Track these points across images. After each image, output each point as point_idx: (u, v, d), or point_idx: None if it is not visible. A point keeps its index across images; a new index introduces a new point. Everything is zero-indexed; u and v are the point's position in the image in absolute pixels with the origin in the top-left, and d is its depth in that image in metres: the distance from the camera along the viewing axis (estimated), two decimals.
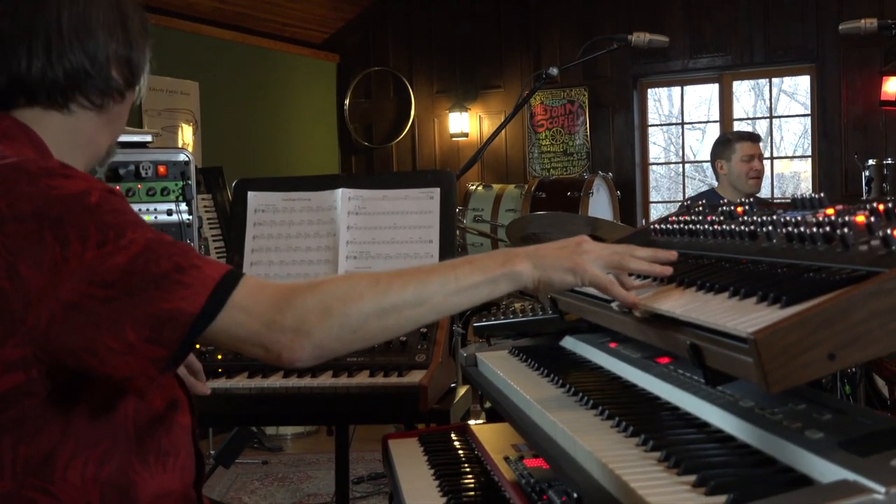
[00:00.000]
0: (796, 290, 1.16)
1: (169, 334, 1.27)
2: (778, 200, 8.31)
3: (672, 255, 1.57)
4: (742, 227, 1.58)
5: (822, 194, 1.58)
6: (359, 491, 4.79)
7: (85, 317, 1.25)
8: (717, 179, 5.18)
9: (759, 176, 5.06)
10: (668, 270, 1.53)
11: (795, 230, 1.40)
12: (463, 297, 1.44)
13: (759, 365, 1.06)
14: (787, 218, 1.47)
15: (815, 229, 1.36)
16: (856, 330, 1.06)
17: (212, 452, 5.22)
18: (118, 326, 1.26)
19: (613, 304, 1.60)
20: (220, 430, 5.42)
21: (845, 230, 1.28)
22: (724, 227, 1.66)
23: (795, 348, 1.06)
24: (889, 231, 1.19)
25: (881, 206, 1.35)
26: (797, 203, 1.63)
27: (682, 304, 1.36)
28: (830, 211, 1.49)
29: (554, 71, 3.74)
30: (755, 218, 1.59)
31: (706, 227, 1.73)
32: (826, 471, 1.02)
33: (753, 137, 5.11)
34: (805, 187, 8.90)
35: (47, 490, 1.33)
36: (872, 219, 1.28)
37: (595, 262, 1.49)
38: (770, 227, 1.51)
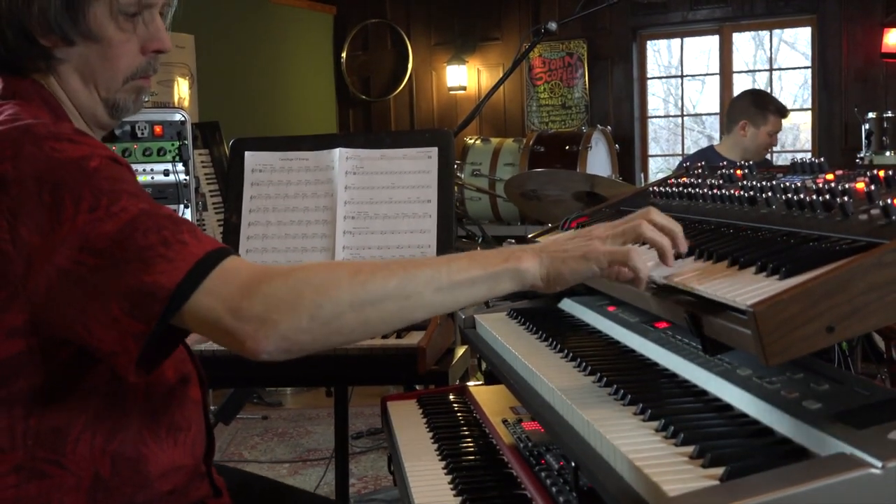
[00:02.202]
0: (796, 260, 1.15)
1: (148, 309, 1.22)
2: (776, 152, 8.28)
3: (684, 247, 1.40)
4: (741, 193, 1.58)
5: (821, 159, 1.57)
6: (358, 446, 4.82)
7: (76, 285, 1.24)
8: (727, 133, 4.96)
9: (770, 150, 5.06)
10: (671, 256, 1.37)
11: (795, 197, 1.40)
12: (457, 293, 1.31)
13: (758, 337, 1.06)
14: (787, 184, 1.47)
15: (814, 197, 1.35)
16: (855, 302, 1.06)
17: (212, 408, 5.25)
18: (105, 297, 1.23)
19: None
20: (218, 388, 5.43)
21: (845, 198, 1.28)
22: (723, 191, 1.65)
23: (795, 321, 1.06)
24: (889, 200, 1.18)
25: (881, 173, 1.34)
26: (797, 167, 1.62)
27: (680, 272, 1.36)
28: (830, 176, 1.49)
29: (553, 26, 3.70)
30: (754, 183, 1.58)
31: (705, 191, 1.73)
32: (823, 443, 1.03)
33: (786, 112, 4.99)
34: (804, 139, 8.86)
35: (58, 462, 1.34)
36: (872, 187, 1.28)
37: (606, 244, 1.35)
38: (769, 193, 1.50)
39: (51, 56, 1.43)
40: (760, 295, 1.09)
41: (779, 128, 4.92)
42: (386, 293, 1.27)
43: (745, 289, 1.15)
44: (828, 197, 1.32)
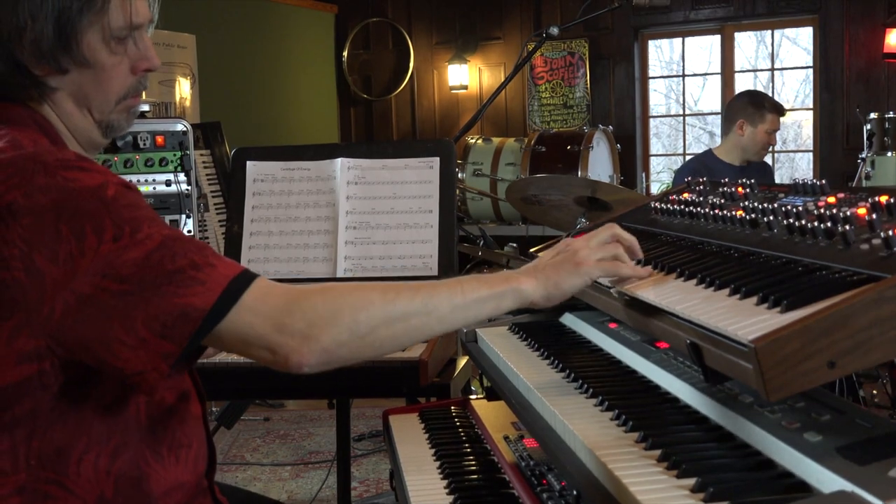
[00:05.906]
0: (798, 293, 1.16)
1: (180, 330, 1.27)
2: (778, 151, 8.27)
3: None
4: (743, 215, 1.58)
5: (823, 181, 1.57)
6: (360, 448, 4.83)
7: (98, 310, 1.26)
8: (726, 133, 4.94)
9: (770, 149, 5.03)
10: (646, 271, 1.58)
11: (796, 223, 1.40)
12: (469, 310, 1.46)
13: (759, 372, 1.06)
14: (788, 207, 1.47)
15: (816, 223, 1.35)
16: (856, 338, 1.07)
17: (214, 409, 5.25)
18: (130, 320, 1.26)
19: (612, 291, 1.60)
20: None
21: (846, 227, 1.28)
22: (724, 212, 1.65)
23: (796, 356, 1.06)
24: (890, 231, 1.18)
25: (882, 199, 1.34)
26: (798, 188, 1.63)
27: (682, 299, 1.36)
28: (832, 199, 1.49)
29: (554, 30, 3.70)
30: (756, 205, 1.58)
31: (707, 210, 1.73)
32: (825, 478, 1.03)
33: (783, 111, 4.94)
34: (806, 135, 8.85)
35: (61, 483, 1.35)
36: (874, 215, 1.28)
37: (593, 254, 1.54)
38: (771, 217, 1.50)
39: (44, 85, 1.42)
40: (762, 329, 1.10)
41: (777, 126, 4.88)
42: (412, 310, 1.41)
43: (746, 321, 1.15)
44: (829, 224, 1.32)
